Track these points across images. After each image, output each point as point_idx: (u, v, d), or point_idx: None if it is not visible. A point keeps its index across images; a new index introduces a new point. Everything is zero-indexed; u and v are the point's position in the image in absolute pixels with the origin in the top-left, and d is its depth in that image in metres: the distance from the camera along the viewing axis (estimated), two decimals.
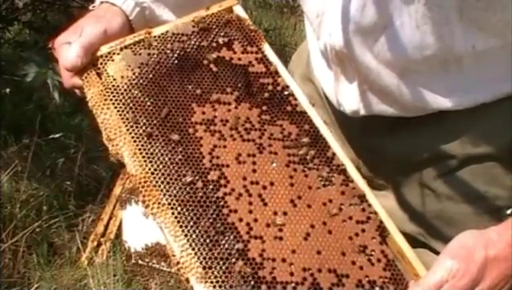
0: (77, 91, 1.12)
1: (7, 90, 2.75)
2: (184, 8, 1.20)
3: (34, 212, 2.51)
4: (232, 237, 0.88)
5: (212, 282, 0.84)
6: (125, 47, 1.05)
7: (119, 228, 2.48)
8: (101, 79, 1.02)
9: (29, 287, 2.25)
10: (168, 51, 1.04)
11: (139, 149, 0.95)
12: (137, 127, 0.96)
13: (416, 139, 1.08)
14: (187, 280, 0.86)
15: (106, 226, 2.52)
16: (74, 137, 3.06)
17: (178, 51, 1.04)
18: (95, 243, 2.49)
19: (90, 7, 1.14)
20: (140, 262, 2.41)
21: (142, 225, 2.37)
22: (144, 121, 0.97)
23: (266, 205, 0.93)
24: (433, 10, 0.92)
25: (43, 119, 2.80)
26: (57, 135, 2.92)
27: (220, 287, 0.84)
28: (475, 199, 1.06)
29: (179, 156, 0.95)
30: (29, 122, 2.99)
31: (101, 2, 1.14)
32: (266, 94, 1.03)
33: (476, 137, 1.03)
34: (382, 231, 0.96)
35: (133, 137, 0.96)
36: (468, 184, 1.06)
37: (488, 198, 1.05)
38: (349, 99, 1.08)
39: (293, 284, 0.86)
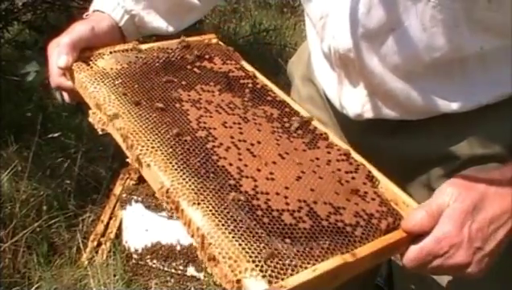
0: (64, 94, 1.14)
1: (8, 92, 2.75)
2: (175, 15, 1.22)
3: (34, 212, 2.51)
4: (223, 175, 0.88)
5: (204, 205, 0.82)
6: (115, 51, 1.12)
7: (119, 228, 2.49)
8: (91, 68, 1.08)
9: (29, 287, 2.25)
10: (155, 57, 1.12)
11: (128, 111, 0.98)
12: (125, 98, 1.00)
13: (419, 141, 1.07)
14: (177, 208, 0.83)
15: (106, 226, 2.53)
16: (74, 137, 3.06)
17: (164, 58, 1.12)
18: (95, 243, 2.49)
19: (84, 16, 1.17)
20: (140, 262, 2.41)
21: (142, 226, 2.37)
22: (132, 94, 1.01)
23: (254, 156, 0.93)
24: (443, 12, 0.91)
25: (43, 119, 2.80)
26: (56, 134, 2.93)
27: (213, 208, 0.82)
28: None
29: (167, 119, 0.97)
30: (29, 122, 2.99)
31: (94, 11, 1.18)
32: (247, 90, 1.10)
33: (480, 138, 1.03)
34: (372, 179, 0.97)
35: (121, 103, 0.99)
36: None
37: None
38: (353, 102, 1.08)
39: (289, 212, 0.85)
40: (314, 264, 0.77)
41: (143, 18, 1.19)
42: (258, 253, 0.76)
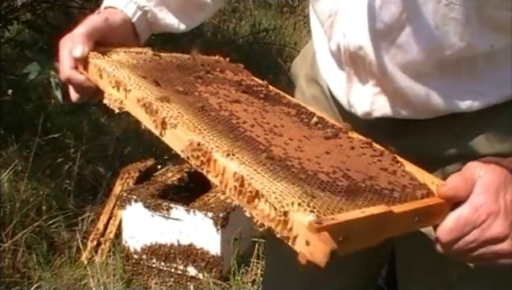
0: (71, 89, 1.13)
1: (8, 91, 2.75)
2: (186, 13, 1.22)
3: (33, 211, 2.52)
4: (252, 142, 0.86)
5: (238, 157, 0.79)
6: (129, 51, 1.12)
7: (119, 227, 2.49)
8: (106, 59, 1.08)
9: (29, 286, 2.26)
10: (168, 62, 1.13)
11: (149, 89, 0.97)
12: (145, 80, 1.00)
13: (428, 141, 1.07)
14: (209, 160, 0.80)
15: (106, 226, 2.53)
16: (74, 136, 3.07)
17: (177, 64, 1.13)
18: (95, 243, 2.49)
19: (95, 13, 1.17)
20: (140, 261, 2.42)
21: (141, 225, 2.38)
22: (151, 77, 1.01)
23: (280, 135, 0.92)
24: (455, 11, 0.91)
25: (43, 119, 2.80)
26: (57, 135, 2.93)
27: (248, 159, 0.79)
28: None
29: (189, 99, 0.96)
30: (29, 122, 2.99)
31: (105, 8, 1.17)
32: (262, 95, 1.10)
33: (490, 137, 1.03)
34: (398, 162, 0.96)
35: (141, 81, 0.99)
36: None
37: None
38: (362, 101, 1.08)
39: (324, 173, 0.82)
40: (360, 208, 0.75)
41: (156, 14, 1.19)
42: (302, 193, 0.73)
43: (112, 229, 2.51)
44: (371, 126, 1.08)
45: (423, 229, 0.89)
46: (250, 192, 0.74)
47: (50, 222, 2.52)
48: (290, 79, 1.37)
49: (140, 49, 1.15)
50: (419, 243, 0.95)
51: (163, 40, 3.12)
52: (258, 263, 2.40)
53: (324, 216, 0.70)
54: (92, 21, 1.11)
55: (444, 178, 1.05)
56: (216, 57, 1.23)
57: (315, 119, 1.04)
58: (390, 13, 0.96)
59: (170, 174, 2.59)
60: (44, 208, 2.55)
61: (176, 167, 2.65)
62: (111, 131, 3.18)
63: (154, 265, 2.39)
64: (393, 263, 1.26)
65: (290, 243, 0.70)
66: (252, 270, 2.41)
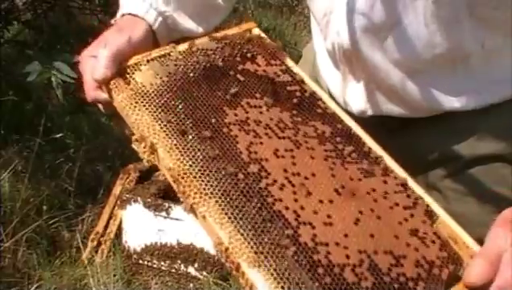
0: (100, 106, 1.11)
1: (9, 92, 2.75)
2: (201, 16, 1.19)
3: (34, 211, 2.52)
4: (280, 223, 0.86)
5: (265, 266, 0.82)
6: (152, 59, 1.06)
7: (119, 227, 2.49)
8: (129, 86, 1.02)
9: (29, 286, 2.26)
10: (195, 63, 1.07)
11: (175, 144, 0.94)
12: (170, 126, 0.96)
13: (423, 140, 1.08)
14: (238, 268, 0.83)
15: (106, 226, 2.53)
16: (74, 137, 3.07)
17: (204, 64, 1.07)
18: (95, 243, 2.50)
19: (112, 21, 1.13)
20: (140, 261, 2.42)
21: (141, 225, 2.38)
22: (177, 121, 0.97)
23: (310, 194, 0.92)
24: (443, 9, 0.92)
25: (44, 119, 2.81)
26: (58, 135, 2.93)
27: (274, 270, 0.81)
28: (483, 199, 1.06)
29: (216, 151, 0.94)
30: (29, 122, 2.99)
31: (123, 15, 1.12)
32: (295, 100, 1.05)
33: (485, 137, 1.03)
34: (431, 215, 0.95)
35: (167, 134, 0.95)
36: (476, 184, 1.06)
37: (496, 198, 1.05)
38: (357, 99, 1.09)
39: (351, 267, 0.84)
40: None
41: (176, 19, 1.15)
42: None
43: (112, 229, 2.52)
44: (367, 125, 1.08)
45: None
46: None
47: (50, 222, 2.53)
48: None
49: (163, 50, 1.08)
50: None
51: None
52: None
53: None
54: (115, 42, 1.05)
55: (435, 184, 1.05)
56: (248, 30, 1.14)
57: (350, 148, 1.00)
58: (382, 11, 0.97)
59: None
60: (45, 208, 2.55)
61: None
62: (111, 131, 3.18)
63: (154, 265, 2.40)
64: None
65: None
66: None
